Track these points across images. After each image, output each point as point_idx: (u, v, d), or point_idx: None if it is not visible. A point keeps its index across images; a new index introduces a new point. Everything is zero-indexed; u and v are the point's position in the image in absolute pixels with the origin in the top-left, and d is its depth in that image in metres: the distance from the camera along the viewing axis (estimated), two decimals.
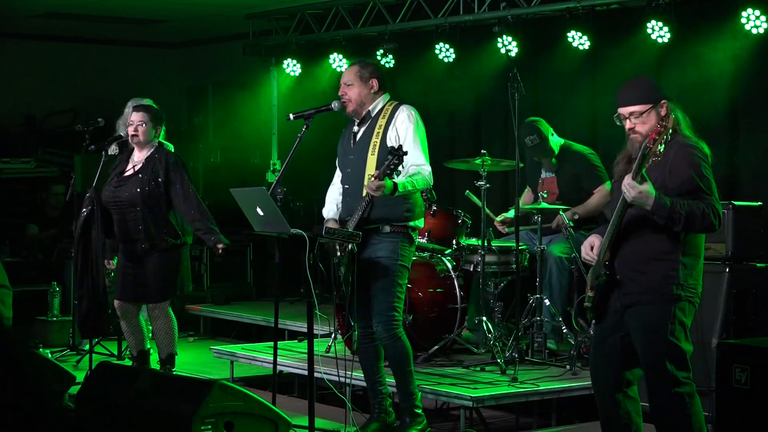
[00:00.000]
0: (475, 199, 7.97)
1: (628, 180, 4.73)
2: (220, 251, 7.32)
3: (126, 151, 7.67)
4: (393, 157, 5.91)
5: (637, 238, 4.88)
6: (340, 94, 6.37)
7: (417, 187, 6.18)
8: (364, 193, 6.13)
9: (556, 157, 8.09)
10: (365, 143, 6.29)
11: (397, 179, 6.00)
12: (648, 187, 4.70)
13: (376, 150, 6.22)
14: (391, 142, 6.20)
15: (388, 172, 5.92)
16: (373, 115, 6.34)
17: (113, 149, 8.04)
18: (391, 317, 6.22)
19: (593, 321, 5.17)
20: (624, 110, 4.98)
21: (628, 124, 4.97)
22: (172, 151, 7.49)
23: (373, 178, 5.93)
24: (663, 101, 4.94)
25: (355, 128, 6.41)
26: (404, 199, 6.20)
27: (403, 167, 6.00)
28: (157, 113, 7.45)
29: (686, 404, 4.87)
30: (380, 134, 6.25)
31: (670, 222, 4.74)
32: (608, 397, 5.06)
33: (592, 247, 5.01)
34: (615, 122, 5.07)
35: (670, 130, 4.92)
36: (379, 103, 6.36)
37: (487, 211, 7.70)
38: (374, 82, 6.33)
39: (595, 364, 5.14)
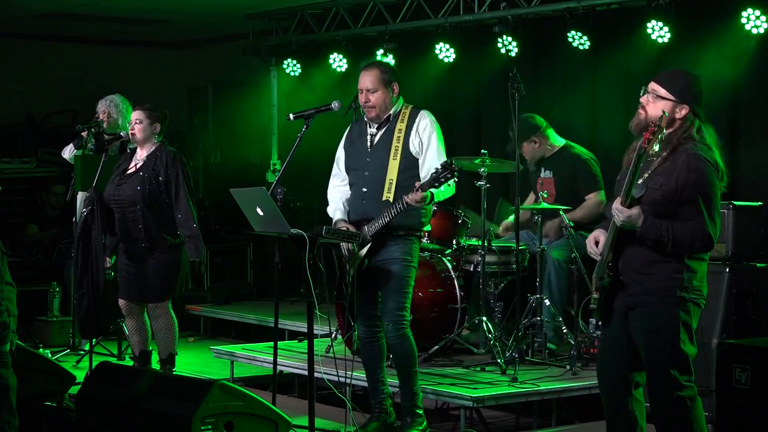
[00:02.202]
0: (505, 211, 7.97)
1: (617, 204, 4.78)
2: (196, 264, 7.43)
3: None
4: (445, 171, 5.89)
5: (642, 240, 4.86)
6: (363, 101, 6.33)
7: (446, 197, 6.21)
8: (385, 198, 6.14)
9: (551, 156, 8.07)
10: (385, 147, 6.29)
11: (432, 190, 6.01)
12: (636, 211, 4.75)
13: (398, 155, 6.22)
14: (414, 148, 6.23)
15: (437, 184, 5.92)
16: (390, 119, 6.34)
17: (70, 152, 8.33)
18: (401, 317, 6.24)
19: (598, 322, 5.16)
20: (653, 86, 4.92)
21: (644, 100, 4.94)
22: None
23: (416, 190, 5.92)
24: (685, 105, 4.90)
25: (372, 130, 6.39)
26: (419, 207, 6.22)
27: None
28: (153, 111, 7.44)
29: (688, 408, 4.85)
30: (401, 139, 6.25)
31: (658, 245, 4.77)
32: (615, 399, 5.03)
33: (597, 242, 5.01)
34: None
35: (680, 134, 4.89)
36: (396, 105, 6.37)
37: (491, 227, 7.73)
38: (395, 86, 6.35)
39: (602, 366, 5.12)
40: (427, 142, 6.23)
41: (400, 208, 6.06)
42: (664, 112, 4.84)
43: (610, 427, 5.09)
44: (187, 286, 7.53)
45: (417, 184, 5.97)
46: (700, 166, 4.81)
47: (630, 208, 4.77)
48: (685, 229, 4.77)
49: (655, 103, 4.91)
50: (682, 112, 4.90)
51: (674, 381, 4.84)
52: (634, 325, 4.92)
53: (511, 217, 8.10)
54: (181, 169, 7.36)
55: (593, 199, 7.94)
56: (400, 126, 6.29)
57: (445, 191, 6.15)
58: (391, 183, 6.18)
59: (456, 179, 6.01)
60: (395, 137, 6.27)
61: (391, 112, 6.35)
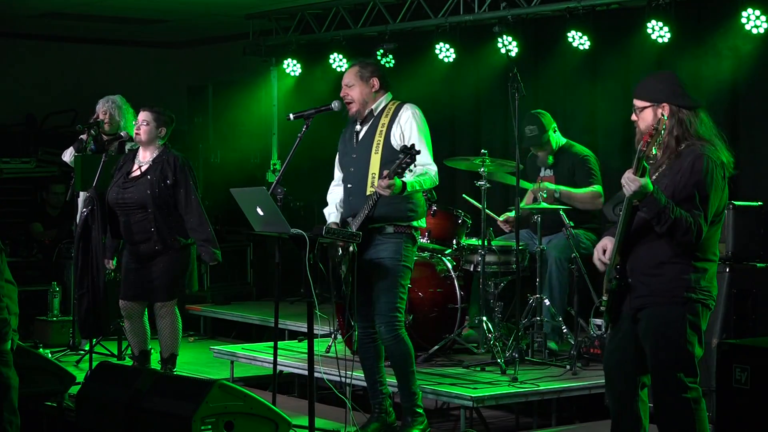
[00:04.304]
0: (473, 201, 7.97)
1: (629, 174, 4.72)
2: (210, 264, 7.48)
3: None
4: (405, 155, 5.89)
5: (649, 242, 4.85)
6: (342, 95, 6.36)
7: (424, 186, 6.19)
8: (369, 192, 6.13)
9: (555, 154, 8.08)
10: (368, 142, 6.29)
11: (406, 178, 6.00)
12: (648, 181, 4.70)
13: (380, 149, 6.22)
14: (396, 140, 6.20)
15: (399, 170, 5.90)
16: (375, 114, 6.34)
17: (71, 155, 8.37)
18: (394, 318, 6.22)
19: (608, 324, 5.16)
20: (634, 103, 5.01)
21: (633, 118, 5.02)
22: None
23: (383, 177, 5.92)
24: (664, 104, 4.91)
25: (357, 127, 6.40)
26: (407, 198, 6.20)
27: (416, 165, 5.99)
28: (161, 114, 7.43)
29: (692, 410, 4.84)
30: (383, 133, 6.25)
31: (655, 219, 4.73)
32: (621, 400, 5.01)
33: (604, 250, 5.00)
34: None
35: (677, 133, 4.89)
36: (382, 102, 6.36)
37: (488, 212, 7.70)
38: (375, 81, 6.33)
39: (610, 367, 5.10)
40: (408, 134, 6.20)
41: (375, 198, 6.05)
42: (663, 115, 4.85)
43: (615, 427, 5.08)
44: (193, 287, 7.54)
45: (384, 172, 5.96)
46: (704, 166, 4.80)
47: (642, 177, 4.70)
48: (688, 217, 4.74)
49: (641, 115, 4.96)
50: (663, 110, 4.91)
51: (680, 383, 4.83)
52: (641, 326, 4.91)
53: (513, 212, 8.08)
54: (190, 173, 7.37)
55: (590, 191, 7.92)
56: (384, 120, 6.29)
57: (423, 180, 6.13)
58: (373, 177, 6.17)
59: (415, 165, 5.94)
60: (378, 131, 6.27)
61: (374, 107, 6.35)
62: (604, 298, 5.01)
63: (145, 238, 7.31)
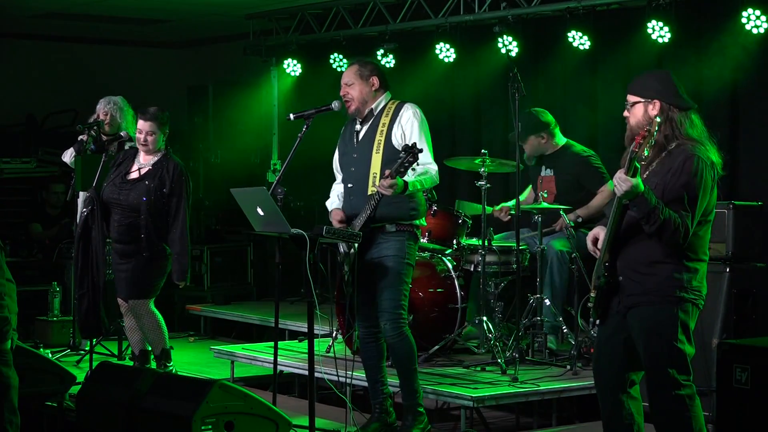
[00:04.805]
0: (467, 208, 7.95)
1: (620, 174, 4.74)
2: (179, 285, 7.53)
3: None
4: (407, 155, 5.89)
5: (641, 241, 4.86)
6: (341, 94, 6.37)
7: (425, 186, 6.20)
8: (370, 192, 6.13)
9: (554, 155, 8.06)
10: (369, 141, 6.29)
11: (407, 178, 6.00)
12: (639, 181, 4.71)
13: (381, 148, 6.22)
14: (397, 139, 6.21)
15: (402, 170, 5.91)
16: (375, 114, 6.34)
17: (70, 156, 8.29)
18: (398, 315, 6.23)
19: (597, 321, 5.17)
20: (627, 98, 5.02)
21: (625, 113, 5.03)
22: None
23: (385, 177, 5.92)
24: (655, 101, 4.92)
25: (357, 126, 6.40)
26: (409, 197, 6.21)
27: (418, 165, 5.99)
28: (162, 120, 7.42)
29: (686, 406, 4.87)
30: (384, 132, 6.25)
31: (645, 219, 4.74)
32: (611, 398, 5.04)
33: (596, 239, 5.01)
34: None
35: (667, 132, 4.90)
36: (381, 101, 6.36)
37: (487, 210, 7.69)
38: (375, 80, 6.33)
39: (599, 365, 5.13)
40: (409, 133, 6.20)
41: (377, 198, 6.05)
42: (656, 116, 4.86)
43: (607, 425, 5.10)
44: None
45: (386, 171, 5.97)
46: (694, 167, 4.81)
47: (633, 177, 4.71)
48: (677, 218, 4.76)
49: (632, 111, 4.97)
50: (654, 108, 4.92)
51: (673, 380, 4.85)
52: (632, 325, 4.93)
53: (510, 203, 8.07)
54: (185, 185, 7.37)
55: (605, 191, 7.88)
56: (384, 120, 6.29)
57: (424, 180, 6.13)
58: (374, 176, 6.18)
59: (417, 164, 5.94)
60: (379, 131, 6.27)
61: (373, 106, 6.35)
62: (592, 294, 5.03)
63: (134, 240, 7.33)
